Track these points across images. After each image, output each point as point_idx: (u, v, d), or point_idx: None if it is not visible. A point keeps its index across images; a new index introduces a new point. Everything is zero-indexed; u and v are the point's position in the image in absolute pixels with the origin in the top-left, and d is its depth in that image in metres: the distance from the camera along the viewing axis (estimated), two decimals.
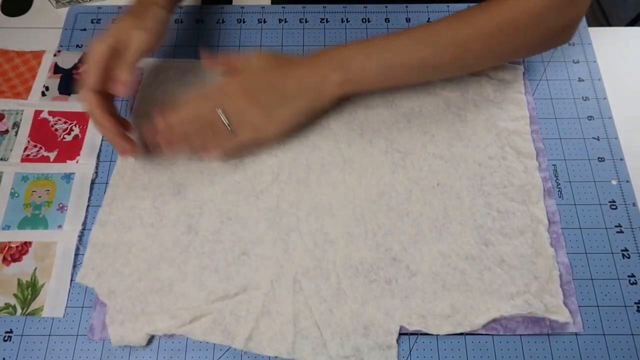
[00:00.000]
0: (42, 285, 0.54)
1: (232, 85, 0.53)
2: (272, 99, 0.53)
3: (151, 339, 0.52)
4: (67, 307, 0.53)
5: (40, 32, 0.70)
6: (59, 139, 0.61)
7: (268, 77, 0.53)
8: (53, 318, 0.53)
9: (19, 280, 0.54)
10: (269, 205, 0.57)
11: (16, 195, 0.58)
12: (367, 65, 0.53)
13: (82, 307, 0.54)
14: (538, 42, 0.55)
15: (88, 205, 0.58)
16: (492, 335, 0.52)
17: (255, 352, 0.51)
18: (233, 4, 0.74)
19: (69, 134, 0.62)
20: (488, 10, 0.51)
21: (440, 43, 0.52)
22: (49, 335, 0.52)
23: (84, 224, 0.57)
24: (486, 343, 0.52)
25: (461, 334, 0.52)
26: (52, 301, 0.53)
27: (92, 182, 0.59)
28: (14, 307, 0.53)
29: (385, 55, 0.52)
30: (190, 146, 0.55)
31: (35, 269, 0.54)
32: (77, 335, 0.52)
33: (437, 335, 0.52)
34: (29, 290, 0.54)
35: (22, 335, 0.52)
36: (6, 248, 0.55)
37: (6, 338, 0.52)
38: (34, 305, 0.53)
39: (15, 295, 0.53)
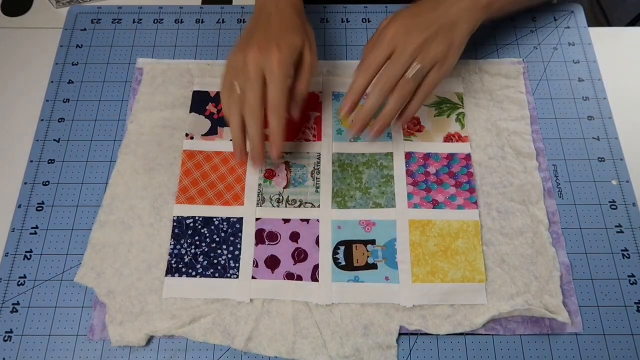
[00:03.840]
0: None
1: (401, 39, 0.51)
2: (442, 31, 0.52)
3: (151, 339, 0.52)
4: (67, 307, 0.53)
5: (40, 32, 0.70)
6: None
7: (425, 18, 0.53)
8: (53, 318, 0.53)
9: None
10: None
11: None
12: None
13: (82, 307, 0.54)
14: None
15: None
16: (492, 335, 0.52)
17: (255, 352, 0.51)
18: (233, 4, 0.74)
19: None
20: None
21: None
22: (49, 335, 0.52)
23: None
24: (486, 343, 0.52)
25: (461, 333, 0.52)
26: None
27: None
28: None
29: None
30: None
31: None
32: (77, 335, 0.52)
33: (437, 335, 0.52)
34: None
35: (22, 335, 0.52)
36: None
37: (6, 338, 0.52)
38: None
39: None
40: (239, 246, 0.56)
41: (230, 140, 0.61)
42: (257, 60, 0.49)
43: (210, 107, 0.63)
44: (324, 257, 0.55)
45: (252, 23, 0.55)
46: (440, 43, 0.51)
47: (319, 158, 0.60)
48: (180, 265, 0.55)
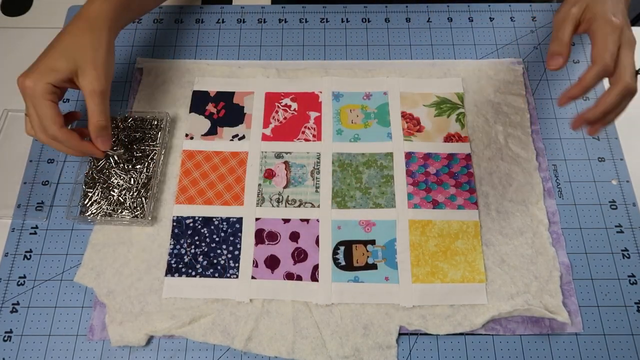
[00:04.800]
0: None
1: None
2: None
3: (151, 339, 0.52)
4: (67, 307, 0.53)
5: (40, 32, 0.70)
6: None
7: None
8: (53, 318, 0.53)
9: None
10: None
11: None
12: None
13: (82, 307, 0.54)
14: None
15: None
16: (492, 335, 0.52)
17: (255, 352, 0.51)
18: (233, 4, 0.74)
19: None
20: None
21: None
22: (49, 335, 0.52)
23: None
24: (486, 343, 0.52)
25: (461, 334, 0.52)
26: None
27: None
28: None
29: None
30: None
31: None
32: (77, 335, 0.52)
33: (437, 335, 0.52)
34: None
35: (22, 335, 0.52)
36: None
37: (6, 338, 0.52)
38: None
39: None
40: (238, 246, 0.56)
41: (230, 140, 0.61)
42: (26, 89, 0.49)
43: (210, 107, 0.63)
44: (324, 257, 0.55)
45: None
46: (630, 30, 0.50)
47: (319, 158, 0.60)
48: (180, 265, 0.55)
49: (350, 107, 0.63)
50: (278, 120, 0.63)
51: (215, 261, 0.55)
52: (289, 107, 0.63)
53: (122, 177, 0.57)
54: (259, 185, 0.59)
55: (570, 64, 0.66)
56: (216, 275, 0.54)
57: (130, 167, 0.58)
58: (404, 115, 0.62)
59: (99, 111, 0.50)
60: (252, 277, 0.54)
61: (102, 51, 0.51)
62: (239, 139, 0.61)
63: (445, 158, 0.60)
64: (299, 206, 0.58)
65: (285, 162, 0.60)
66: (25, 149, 0.62)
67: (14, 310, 0.53)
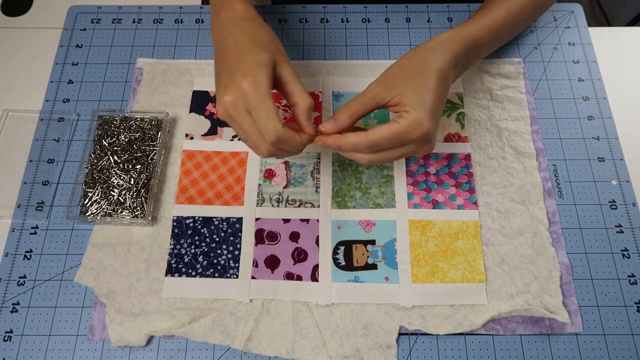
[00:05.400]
0: None
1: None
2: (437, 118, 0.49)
3: (151, 339, 0.52)
4: (67, 307, 0.53)
5: (40, 32, 0.70)
6: None
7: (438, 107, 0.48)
8: (53, 318, 0.53)
9: None
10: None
11: None
12: None
13: (82, 307, 0.54)
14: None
15: None
16: (492, 335, 0.52)
17: (255, 352, 0.51)
18: None
19: None
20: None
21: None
22: (49, 335, 0.52)
23: None
24: (486, 343, 0.52)
25: (461, 334, 0.52)
26: None
27: None
28: None
29: None
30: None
31: None
32: (77, 335, 0.52)
33: (437, 335, 0.52)
34: None
35: (22, 335, 0.52)
36: None
37: (6, 338, 0.52)
38: None
39: None
40: (238, 246, 0.56)
41: (230, 140, 0.61)
42: (228, 105, 0.45)
43: (210, 107, 0.63)
44: (324, 257, 0.55)
45: (216, 65, 0.49)
46: (432, 140, 0.48)
47: (319, 158, 0.60)
48: (180, 265, 0.55)
49: None
50: None
51: (215, 261, 0.55)
52: (289, 107, 0.63)
53: (122, 177, 0.57)
54: (259, 185, 0.59)
55: (571, 63, 0.66)
56: (216, 275, 0.54)
57: (130, 167, 0.58)
58: None
59: (305, 92, 0.47)
60: (252, 277, 0.54)
61: (274, 35, 0.50)
62: (239, 139, 0.61)
63: (445, 158, 0.60)
64: (299, 206, 0.58)
65: (285, 162, 0.60)
66: (25, 149, 0.62)
67: (14, 310, 0.53)
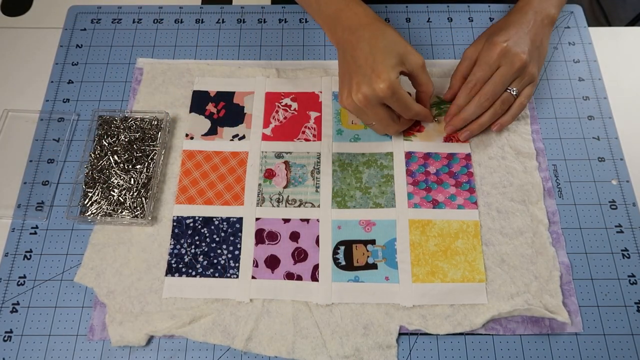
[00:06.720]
0: None
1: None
2: (535, 52, 0.58)
3: (151, 339, 0.52)
4: (67, 307, 0.53)
5: (40, 32, 0.70)
6: None
7: (523, 39, 0.57)
8: (53, 318, 0.53)
9: None
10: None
11: None
12: None
13: (82, 307, 0.54)
14: None
15: None
16: (492, 335, 0.52)
17: (255, 352, 0.51)
18: (233, 4, 0.74)
19: None
20: None
21: None
22: (49, 335, 0.52)
23: None
24: (486, 343, 0.52)
25: (461, 333, 0.52)
26: None
27: None
28: None
29: None
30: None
31: None
32: (77, 335, 0.52)
33: (437, 335, 0.52)
34: None
35: (22, 335, 0.52)
36: None
37: (6, 338, 0.52)
38: None
39: None
40: (239, 246, 0.56)
41: (230, 140, 0.61)
42: (361, 102, 0.53)
43: (210, 107, 0.63)
44: (324, 257, 0.55)
45: (343, 64, 0.55)
46: (535, 64, 0.57)
47: (319, 158, 0.60)
48: (180, 265, 0.55)
49: None
50: (278, 120, 0.63)
51: (215, 261, 0.55)
52: (289, 107, 0.63)
53: (122, 177, 0.58)
54: (259, 185, 0.59)
55: (571, 63, 0.67)
56: (216, 275, 0.54)
57: (130, 167, 0.58)
58: None
59: (430, 81, 0.56)
60: (252, 277, 0.54)
61: (397, 33, 0.55)
62: (239, 139, 0.61)
63: (445, 158, 0.60)
64: (299, 206, 0.58)
65: (286, 162, 0.60)
66: (25, 149, 0.62)
67: (14, 310, 0.53)
